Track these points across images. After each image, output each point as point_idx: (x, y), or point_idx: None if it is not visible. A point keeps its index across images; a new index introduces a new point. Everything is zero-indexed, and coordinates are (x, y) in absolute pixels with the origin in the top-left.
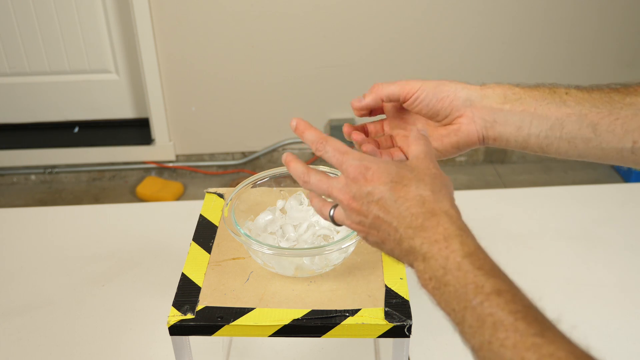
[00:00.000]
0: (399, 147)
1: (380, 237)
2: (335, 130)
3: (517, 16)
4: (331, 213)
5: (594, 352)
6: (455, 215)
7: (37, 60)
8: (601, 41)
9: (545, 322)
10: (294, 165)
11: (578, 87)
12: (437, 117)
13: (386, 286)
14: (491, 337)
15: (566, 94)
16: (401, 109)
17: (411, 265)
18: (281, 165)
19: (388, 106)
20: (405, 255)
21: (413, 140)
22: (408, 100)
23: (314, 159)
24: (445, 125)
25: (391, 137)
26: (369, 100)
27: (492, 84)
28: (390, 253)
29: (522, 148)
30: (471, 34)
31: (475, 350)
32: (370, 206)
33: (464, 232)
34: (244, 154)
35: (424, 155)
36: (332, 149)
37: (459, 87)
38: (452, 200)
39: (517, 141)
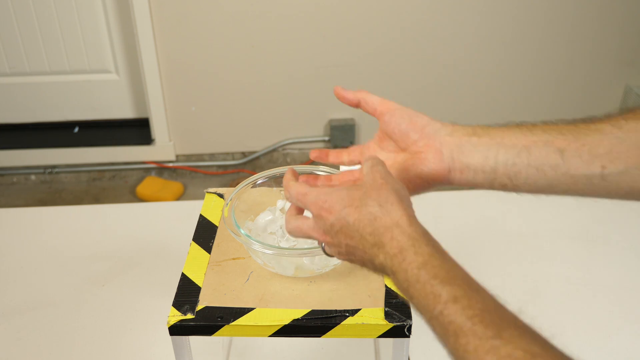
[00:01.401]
0: None
1: (359, 261)
2: (335, 130)
3: (517, 16)
4: (323, 249)
5: (565, 347)
6: (405, 224)
7: (37, 60)
8: (601, 41)
9: (502, 323)
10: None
11: (545, 122)
12: (406, 140)
13: (386, 286)
14: (455, 344)
15: (533, 125)
16: (380, 143)
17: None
18: (281, 165)
19: (370, 144)
20: (381, 273)
21: (364, 161)
22: (384, 113)
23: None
24: (412, 153)
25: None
26: (350, 95)
27: (462, 125)
28: (374, 272)
29: (491, 181)
30: (471, 34)
31: (450, 355)
32: (339, 236)
33: (416, 240)
34: (244, 154)
35: (369, 168)
36: (295, 192)
37: (433, 121)
38: (402, 207)
39: (485, 171)
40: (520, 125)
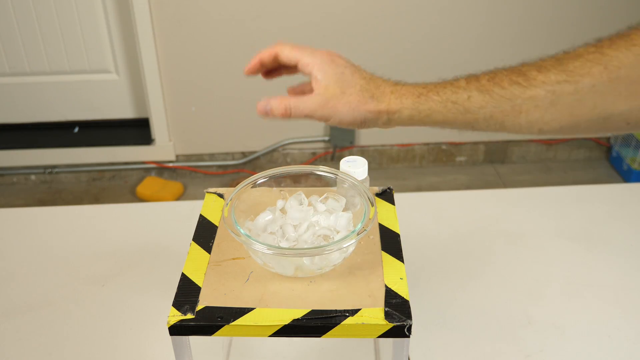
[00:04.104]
0: None
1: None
2: (334, 130)
3: (518, 17)
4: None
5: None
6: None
7: (37, 60)
8: None
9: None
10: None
11: (479, 85)
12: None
13: (386, 286)
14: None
15: (468, 99)
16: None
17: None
18: (281, 165)
19: None
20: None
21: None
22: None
23: (314, 159)
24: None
25: None
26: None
27: (397, 98)
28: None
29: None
30: (472, 34)
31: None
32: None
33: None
34: (244, 154)
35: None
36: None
37: (376, 120)
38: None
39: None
40: (454, 98)
